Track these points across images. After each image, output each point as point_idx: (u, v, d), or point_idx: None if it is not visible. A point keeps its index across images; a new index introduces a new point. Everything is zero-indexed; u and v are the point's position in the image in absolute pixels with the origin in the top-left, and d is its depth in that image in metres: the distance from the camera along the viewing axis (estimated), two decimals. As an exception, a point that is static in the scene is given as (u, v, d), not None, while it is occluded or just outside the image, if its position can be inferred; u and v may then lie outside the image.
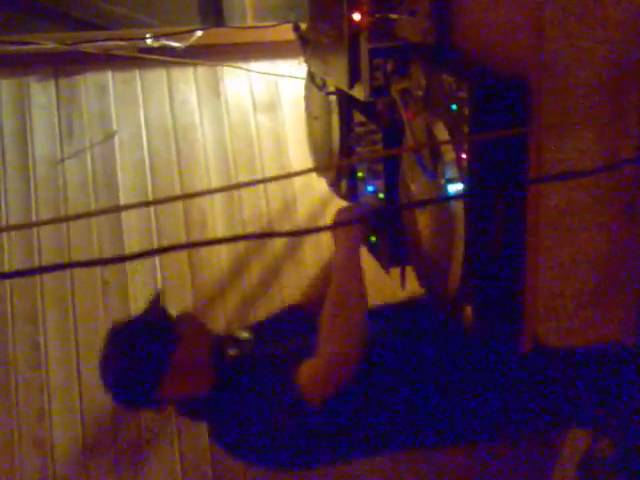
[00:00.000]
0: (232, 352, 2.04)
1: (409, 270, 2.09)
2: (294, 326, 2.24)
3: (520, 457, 2.73)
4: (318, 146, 2.68)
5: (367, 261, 2.05)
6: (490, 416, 2.01)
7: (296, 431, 1.86)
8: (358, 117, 2.18)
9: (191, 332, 2.00)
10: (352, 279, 1.94)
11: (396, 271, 2.17)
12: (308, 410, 1.81)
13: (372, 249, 2.20)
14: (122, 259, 1.06)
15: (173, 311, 2.01)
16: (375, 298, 2.06)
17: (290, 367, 1.87)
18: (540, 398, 2.00)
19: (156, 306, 2.05)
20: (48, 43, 3.19)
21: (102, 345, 2.00)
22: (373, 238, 2.18)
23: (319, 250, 3.04)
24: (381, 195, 2.07)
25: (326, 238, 2.39)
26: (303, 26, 2.50)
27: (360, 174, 2.25)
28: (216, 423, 2.03)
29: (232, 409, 1.94)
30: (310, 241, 3.23)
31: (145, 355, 1.92)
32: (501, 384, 1.99)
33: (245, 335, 2.13)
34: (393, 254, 2.10)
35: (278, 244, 3.24)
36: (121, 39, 3.26)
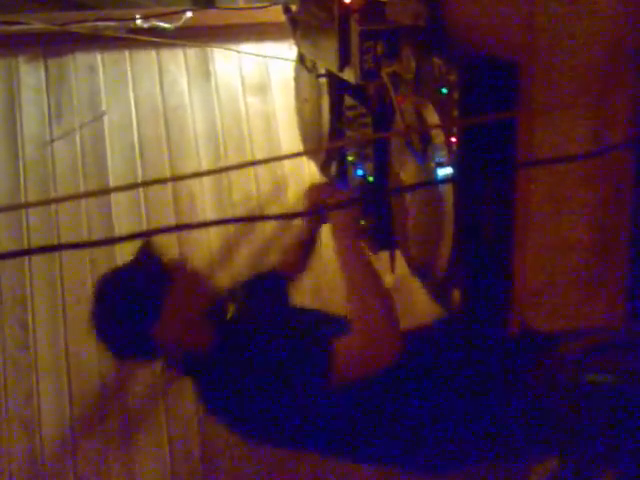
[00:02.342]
0: (231, 309, 2.01)
1: (399, 254, 2.09)
2: (278, 291, 2.26)
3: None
4: (308, 129, 2.67)
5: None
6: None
7: (304, 408, 1.83)
8: (348, 100, 2.18)
9: (185, 278, 1.95)
10: (363, 266, 1.93)
11: (386, 255, 2.17)
12: (329, 389, 1.79)
13: (361, 233, 2.21)
14: (111, 241, 1.05)
15: (165, 258, 1.96)
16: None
17: (314, 339, 1.86)
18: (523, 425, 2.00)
19: (147, 251, 1.97)
20: (37, 23, 3.16)
21: (92, 292, 1.96)
22: (362, 222, 2.18)
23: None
24: (370, 178, 2.07)
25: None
26: (293, 8, 2.50)
27: (350, 158, 2.25)
28: (212, 384, 1.95)
29: (233, 371, 1.88)
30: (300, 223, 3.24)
31: (136, 298, 1.86)
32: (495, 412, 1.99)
33: (239, 294, 2.10)
34: (382, 238, 2.10)
35: (267, 226, 3.24)
36: (111, 19, 3.24)
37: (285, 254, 2.45)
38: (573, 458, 2.14)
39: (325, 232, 2.32)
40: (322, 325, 2.05)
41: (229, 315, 2.00)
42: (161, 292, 1.86)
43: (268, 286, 2.29)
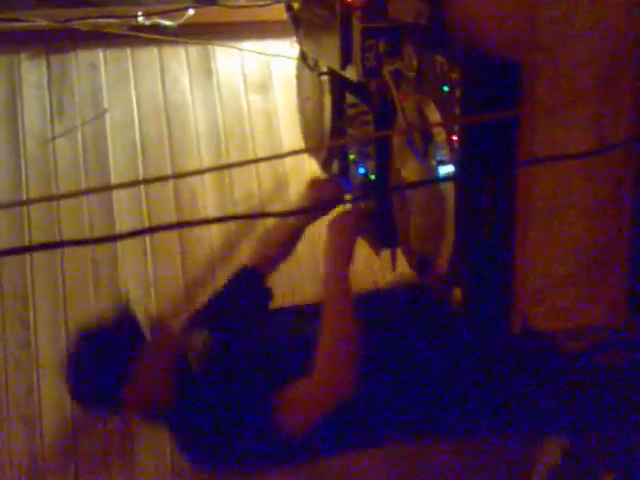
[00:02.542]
0: (196, 357, 2.02)
1: (399, 252, 2.09)
2: (249, 294, 2.25)
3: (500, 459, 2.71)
4: (309, 127, 2.67)
5: (358, 243, 2.04)
6: (475, 411, 2.00)
7: (264, 448, 1.84)
8: (350, 98, 2.18)
9: (157, 340, 1.97)
10: (346, 308, 1.88)
11: (387, 253, 2.17)
12: (282, 436, 1.79)
13: (363, 231, 2.20)
14: (113, 238, 1.05)
15: (140, 317, 1.99)
16: (366, 280, 2.06)
17: (268, 385, 1.84)
18: (524, 397, 1.99)
19: (124, 311, 2.01)
20: (39, 20, 3.16)
21: (68, 346, 1.99)
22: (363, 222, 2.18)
23: (310, 230, 3.04)
24: (372, 177, 2.07)
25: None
26: (295, 6, 2.49)
27: (352, 156, 2.25)
28: (179, 434, 2.00)
29: (196, 420, 1.91)
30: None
31: (109, 358, 1.89)
32: (489, 380, 1.98)
33: (205, 335, 2.10)
34: (384, 236, 2.10)
35: (269, 224, 3.23)
36: (113, 17, 3.23)
37: (265, 247, 2.42)
38: (575, 452, 2.15)
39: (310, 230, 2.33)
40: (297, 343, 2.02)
41: (193, 365, 2.01)
42: (132, 354, 1.90)
43: (243, 289, 2.28)
